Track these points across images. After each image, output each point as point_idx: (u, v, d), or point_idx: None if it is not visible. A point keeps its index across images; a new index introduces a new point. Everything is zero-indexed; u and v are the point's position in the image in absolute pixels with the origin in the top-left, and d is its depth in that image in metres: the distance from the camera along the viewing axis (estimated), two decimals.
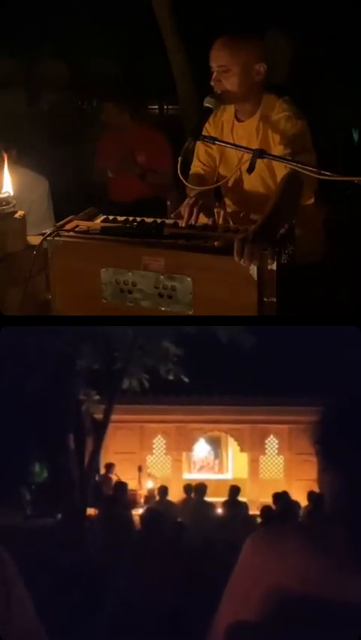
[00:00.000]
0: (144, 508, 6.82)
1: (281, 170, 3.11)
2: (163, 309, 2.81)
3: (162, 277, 2.78)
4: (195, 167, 3.50)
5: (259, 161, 2.96)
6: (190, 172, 3.41)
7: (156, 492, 7.60)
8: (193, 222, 3.03)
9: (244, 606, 1.36)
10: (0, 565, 1.39)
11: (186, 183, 3.21)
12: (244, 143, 3.20)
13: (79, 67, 9.12)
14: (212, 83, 3.23)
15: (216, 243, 2.75)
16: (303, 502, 6.47)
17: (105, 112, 5.85)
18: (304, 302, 2.88)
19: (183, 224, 3.01)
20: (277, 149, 3.13)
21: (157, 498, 7.32)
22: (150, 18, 6.93)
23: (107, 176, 5.77)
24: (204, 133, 3.18)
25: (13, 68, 8.16)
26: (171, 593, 4.23)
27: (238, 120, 3.38)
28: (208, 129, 3.35)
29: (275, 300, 2.64)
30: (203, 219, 3.11)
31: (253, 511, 7.05)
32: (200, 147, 3.47)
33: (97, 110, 6.91)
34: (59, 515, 6.89)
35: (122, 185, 5.72)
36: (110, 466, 8.46)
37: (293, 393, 7.96)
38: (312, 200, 3.23)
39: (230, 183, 3.44)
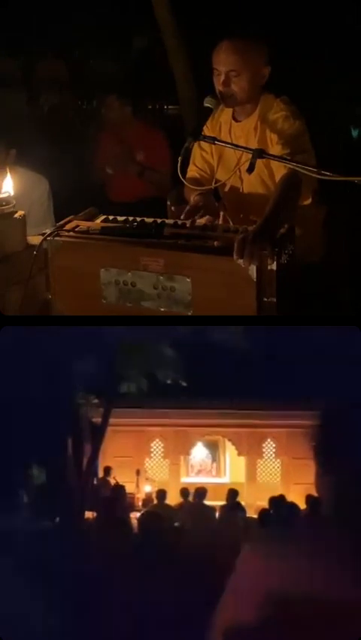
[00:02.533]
0: (142, 511, 6.80)
1: (280, 169, 3.10)
2: (162, 309, 2.80)
3: (161, 277, 2.77)
4: (192, 171, 3.49)
5: (258, 161, 2.95)
6: (187, 176, 3.39)
7: (154, 495, 7.58)
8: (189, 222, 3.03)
9: (243, 609, 1.35)
10: None
11: (186, 183, 3.21)
12: (241, 143, 3.20)
13: (79, 67, 9.14)
14: (220, 87, 3.21)
15: (215, 244, 2.75)
16: (300, 505, 6.45)
17: (107, 105, 5.85)
18: (304, 302, 2.87)
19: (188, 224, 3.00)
20: (275, 149, 3.12)
21: (155, 501, 7.29)
22: (151, 18, 6.94)
23: (106, 173, 5.77)
24: (203, 134, 3.16)
25: (13, 68, 8.20)
26: (169, 596, 4.21)
27: (236, 120, 3.37)
28: (207, 130, 3.33)
29: (275, 300, 2.63)
30: (202, 219, 3.10)
31: (251, 514, 7.04)
32: (196, 152, 3.46)
33: (97, 108, 6.90)
34: (57, 518, 6.87)
35: (121, 185, 5.72)
36: (108, 470, 8.43)
37: (292, 395, 7.93)
38: (310, 200, 3.22)
39: (229, 184, 3.43)
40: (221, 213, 3.20)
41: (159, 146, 5.72)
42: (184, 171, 3.31)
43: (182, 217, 3.03)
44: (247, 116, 3.34)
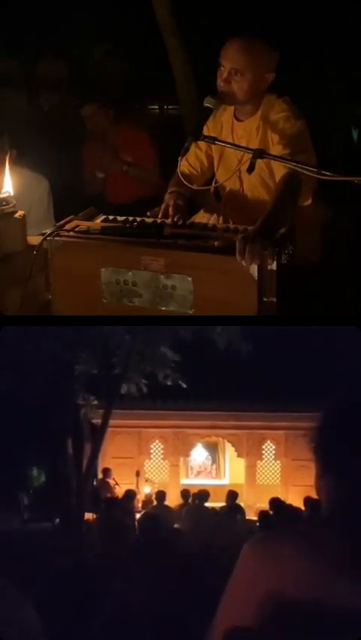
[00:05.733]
0: (142, 512, 6.81)
1: (280, 170, 3.09)
2: (163, 308, 2.80)
3: (162, 277, 2.77)
4: (183, 166, 3.45)
5: (258, 161, 2.95)
6: (177, 169, 3.36)
7: (153, 497, 7.58)
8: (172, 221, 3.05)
9: (242, 612, 1.34)
10: None
11: (186, 183, 3.21)
12: (243, 143, 3.19)
13: (79, 67, 9.13)
14: (220, 83, 3.20)
15: (216, 243, 2.75)
16: (299, 507, 6.46)
17: (90, 114, 5.89)
18: (304, 302, 2.86)
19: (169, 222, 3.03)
20: (277, 149, 3.11)
21: (155, 503, 7.30)
22: (151, 18, 6.94)
23: (98, 179, 5.83)
24: (204, 133, 3.15)
25: (13, 68, 8.20)
26: (169, 598, 4.20)
27: (238, 120, 3.36)
28: (208, 130, 3.32)
29: (275, 300, 2.63)
30: (203, 219, 3.10)
31: (250, 516, 7.04)
32: (192, 149, 3.44)
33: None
34: (57, 520, 6.87)
35: (117, 186, 5.77)
36: (107, 471, 8.44)
37: (291, 396, 7.94)
38: (310, 201, 3.21)
39: (230, 183, 3.43)
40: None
41: (143, 145, 5.86)
42: None
43: (159, 216, 3.07)
44: (249, 116, 3.32)
